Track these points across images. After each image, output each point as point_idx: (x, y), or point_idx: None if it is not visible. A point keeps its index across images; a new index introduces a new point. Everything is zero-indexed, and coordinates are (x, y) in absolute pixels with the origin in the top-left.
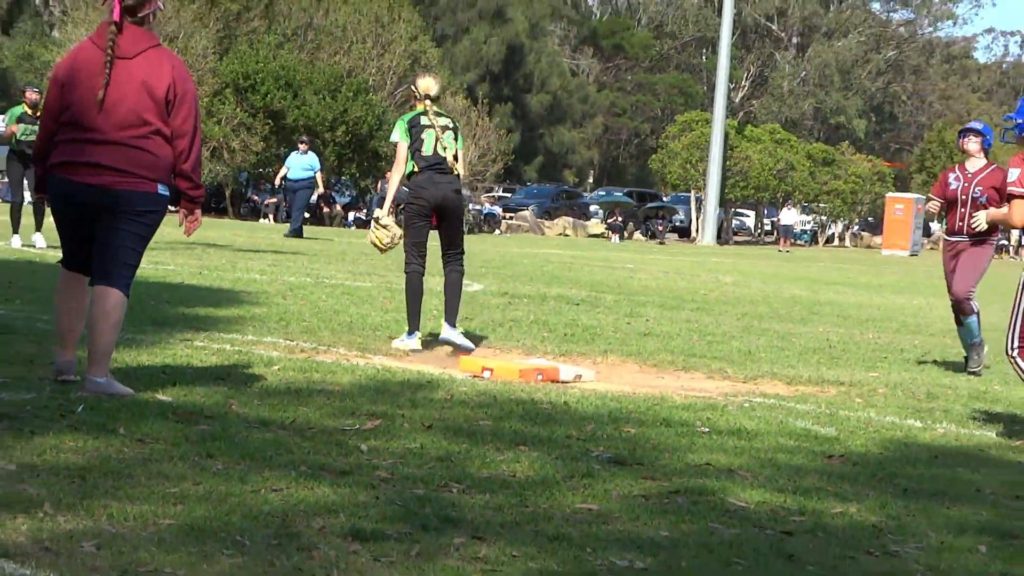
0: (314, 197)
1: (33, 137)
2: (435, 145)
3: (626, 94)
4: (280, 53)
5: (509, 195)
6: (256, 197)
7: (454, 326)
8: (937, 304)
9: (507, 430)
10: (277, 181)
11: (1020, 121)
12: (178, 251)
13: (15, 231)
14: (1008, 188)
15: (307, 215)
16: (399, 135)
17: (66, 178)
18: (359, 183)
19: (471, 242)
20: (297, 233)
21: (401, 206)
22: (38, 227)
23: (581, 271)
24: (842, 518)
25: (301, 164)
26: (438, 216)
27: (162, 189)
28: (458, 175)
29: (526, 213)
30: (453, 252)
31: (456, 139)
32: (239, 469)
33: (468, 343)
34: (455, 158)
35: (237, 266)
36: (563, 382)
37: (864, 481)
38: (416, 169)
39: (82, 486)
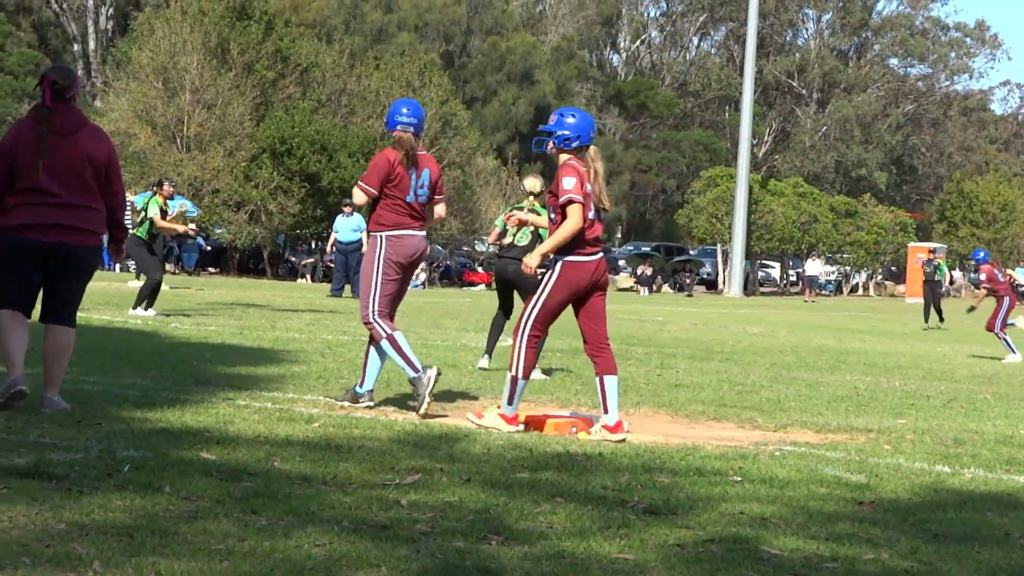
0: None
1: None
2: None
3: (652, 151)
4: (315, 118)
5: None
6: (293, 258)
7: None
8: (961, 351)
9: (544, 482)
10: (329, 248)
11: (560, 133)
12: (218, 311)
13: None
14: (566, 195)
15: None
16: (499, 221)
17: (21, 236)
18: None
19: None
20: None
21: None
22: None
23: (611, 324)
24: (874, 564)
25: (349, 226)
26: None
27: (102, 240)
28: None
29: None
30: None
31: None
32: (283, 525)
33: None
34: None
35: (276, 325)
36: None
37: (895, 527)
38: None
39: (130, 544)
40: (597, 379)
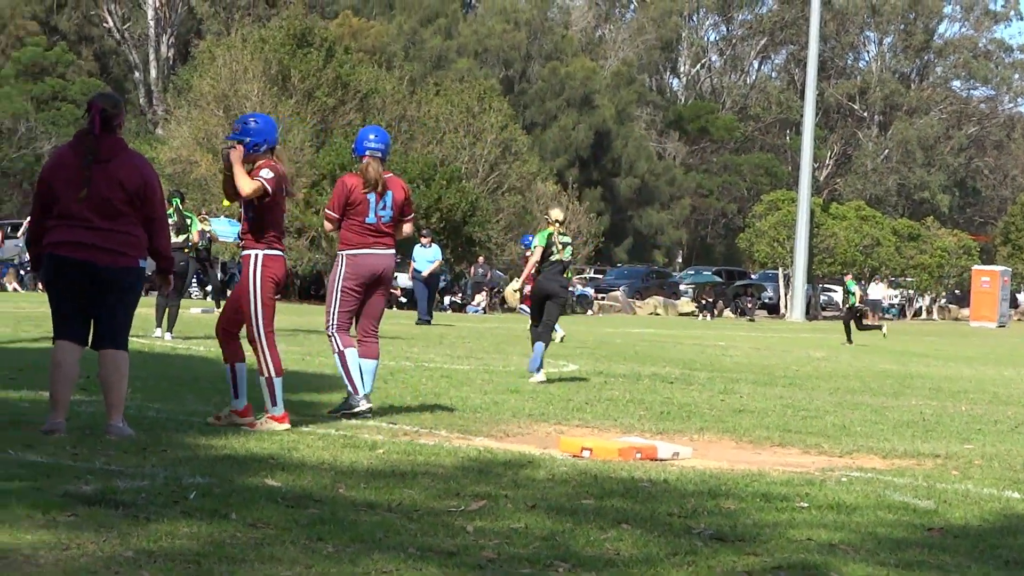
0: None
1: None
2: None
3: (712, 175)
4: None
5: (600, 276)
6: None
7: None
8: None
9: (609, 508)
10: (409, 276)
11: (249, 140)
12: (281, 337)
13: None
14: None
15: (403, 300)
16: (539, 241)
17: (61, 255)
18: (454, 268)
19: (564, 323)
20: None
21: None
22: (159, 324)
23: (673, 349)
24: None
25: (426, 256)
26: (549, 299)
27: (142, 263)
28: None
29: (617, 293)
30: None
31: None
32: (349, 552)
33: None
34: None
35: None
36: (662, 460)
37: (965, 553)
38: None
39: (198, 571)
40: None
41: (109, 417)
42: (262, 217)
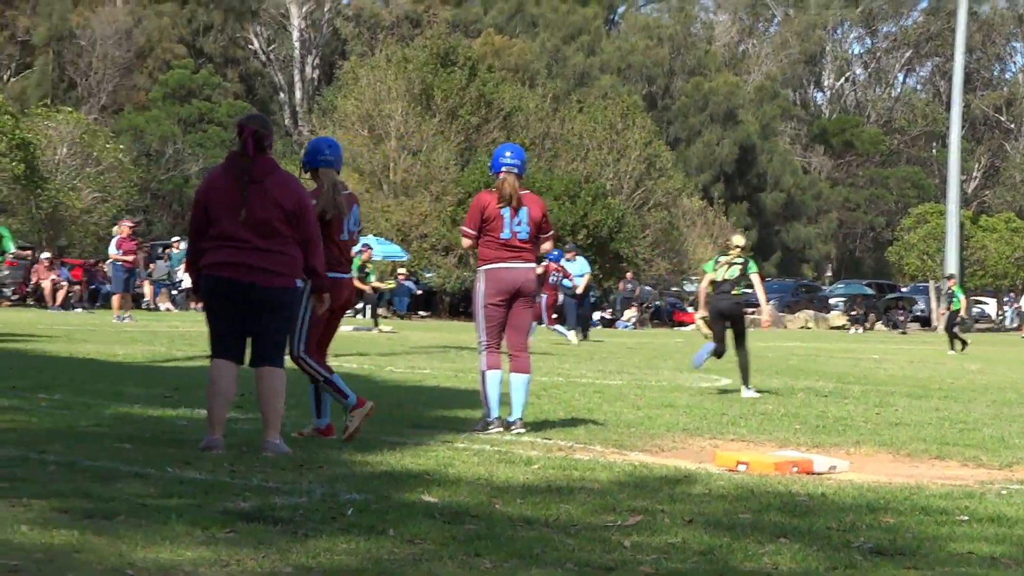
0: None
1: None
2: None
3: (858, 189)
4: None
5: (749, 291)
6: None
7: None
8: None
9: (766, 523)
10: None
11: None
12: (432, 355)
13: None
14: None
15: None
16: (706, 268)
17: (219, 275)
18: (602, 283)
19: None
20: (585, 335)
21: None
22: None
23: (826, 363)
24: None
25: (573, 270)
26: (724, 318)
27: (299, 283)
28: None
29: (768, 307)
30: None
31: (744, 270)
32: (507, 567)
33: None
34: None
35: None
36: (818, 473)
37: None
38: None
39: None
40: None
41: (266, 434)
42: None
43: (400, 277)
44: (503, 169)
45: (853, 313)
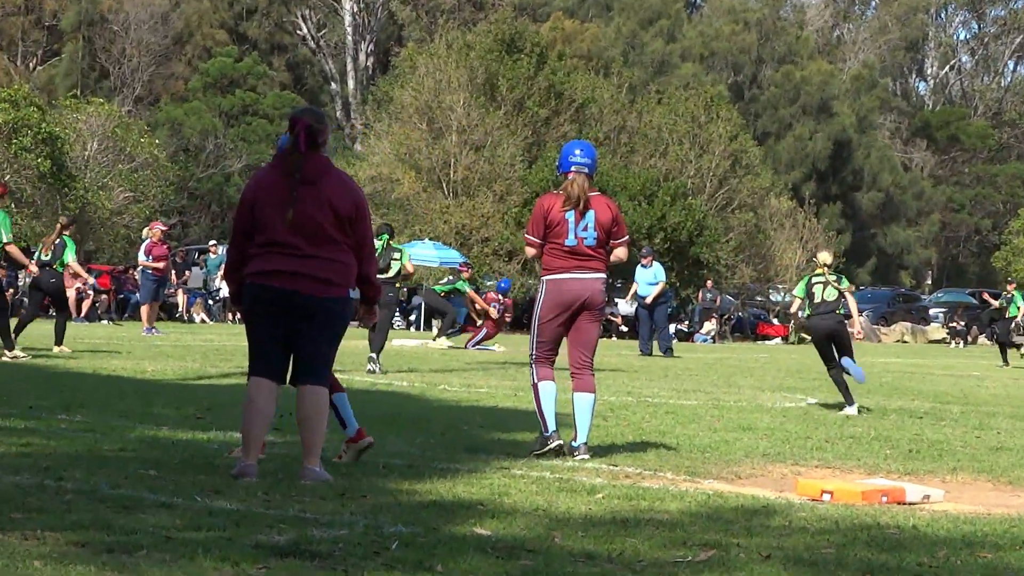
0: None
1: None
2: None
3: (964, 188)
4: None
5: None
6: None
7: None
8: None
9: (852, 558)
10: (628, 299)
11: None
12: (491, 371)
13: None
14: None
15: (623, 328)
16: (798, 292)
17: (266, 284)
18: (679, 292)
19: (801, 352)
20: (669, 351)
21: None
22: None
23: (923, 381)
24: None
25: (646, 279)
26: (830, 338)
27: (352, 293)
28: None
29: (861, 319)
30: (846, 354)
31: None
32: None
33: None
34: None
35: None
36: (910, 504)
37: None
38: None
39: None
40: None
41: (305, 460)
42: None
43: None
44: (572, 169)
45: (953, 325)
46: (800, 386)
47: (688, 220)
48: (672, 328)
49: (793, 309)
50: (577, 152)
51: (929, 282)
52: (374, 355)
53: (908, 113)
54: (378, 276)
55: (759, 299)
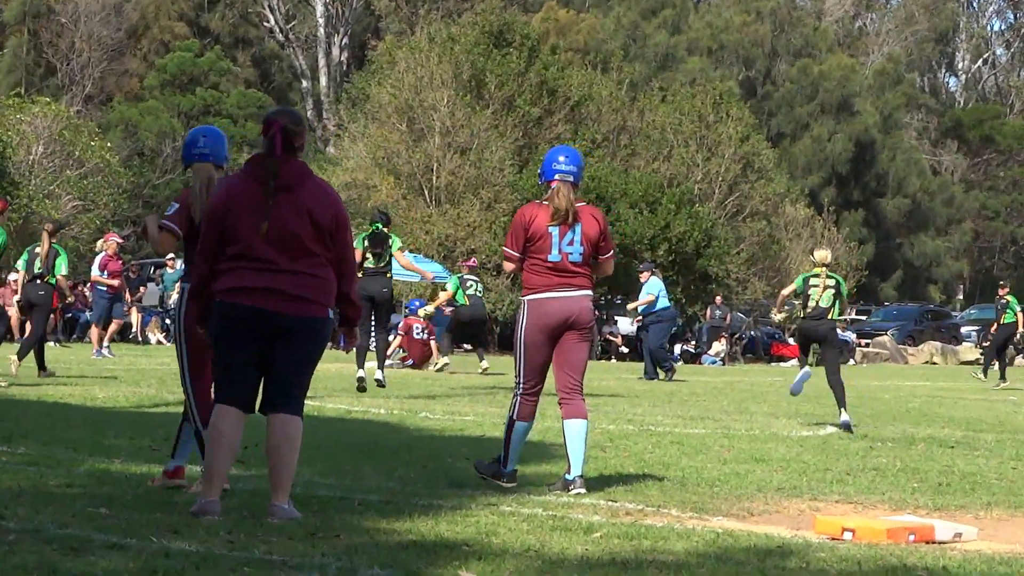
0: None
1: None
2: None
3: (999, 193)
4: (589, 161)
5: (864, 318)
6: None
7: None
8: None
9: None
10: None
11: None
12: (476, 397)
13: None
14: None
15: (624, 349)
16: (796, 285)
17: (239, 303)
18: (685, 310)
19: (819, 375)
20: (670, 372)
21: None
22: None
23: (954, 406)
24: None
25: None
26: (818, 342)
27: (331, 313)
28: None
29: (885, 339)
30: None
31: (838, 293)
32: None
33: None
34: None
35: (546, 413)
36: (940, 542)
37: None
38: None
39: None
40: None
41: (274, 496)
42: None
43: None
44: (556, 177)
45: (987, 344)
46: (818, 413)
47: (695, 230)
48: (677, 348)
49: (784, 292)
50: (561, 159)
51: (960, 297)
52: (381, 373)
53: (937, 111)
54: (370, 267)
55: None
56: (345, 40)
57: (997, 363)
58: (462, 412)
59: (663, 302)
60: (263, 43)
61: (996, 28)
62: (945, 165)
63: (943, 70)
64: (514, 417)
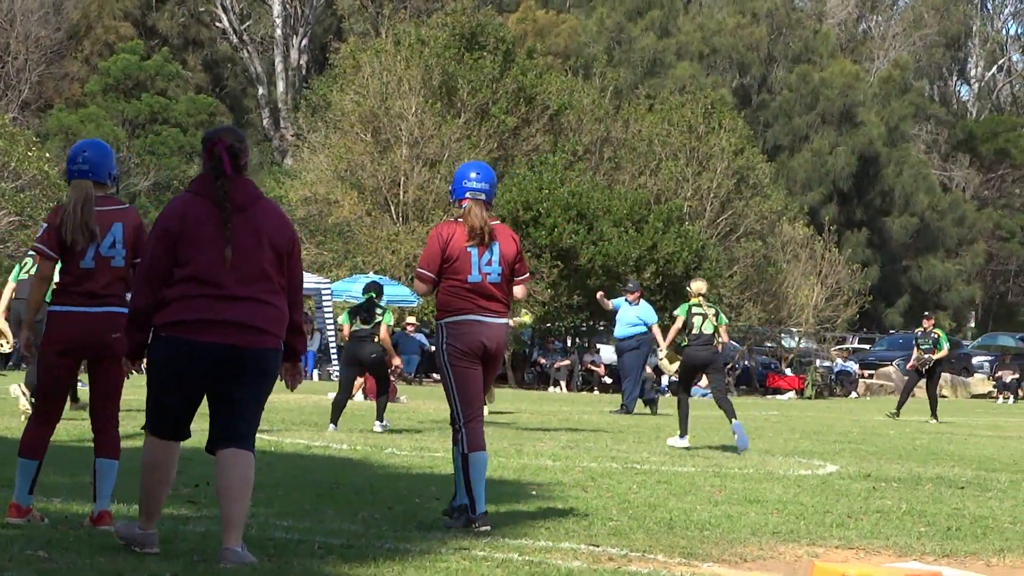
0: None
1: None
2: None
3: (1014, 212)
4: (570, 175)
5: (867, 347)
6: (543, 360)
7: None
8: None
9: None
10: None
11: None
12: (446, 432)
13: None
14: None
15: (607, 380)
16: (680, 312)
17: (188, 338)
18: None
19: (819, 408)
20: (627, 409)
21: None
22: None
23: (965, 443)
24: None
25: (627, 319)
26: (703, 367)
27: (282, 344)
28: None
29: (890, 369)
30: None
31: (717, 322)
32: None
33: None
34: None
35: (523, 449)
36: None
37: None
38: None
39: None
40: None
41: (226, 539)
42: None
43: (408, 328)
44: (467, 195)
45: (1000, 376)
46: (818, 450)
47: (684, 250)
48: (664, 379)
49: (673, 331)
50: (473, 175)
51: (972, 325)
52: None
53: (948, 122)
54: (362, 327)
55: (769, 345)
56: (305, 42)
57: (910, 399)
58: (431, 448)
59: (643, 327)
60: (215, 45)
61: (1012, 32)
62: (956, 181)
63: (954, 77)
64: (466, 451)
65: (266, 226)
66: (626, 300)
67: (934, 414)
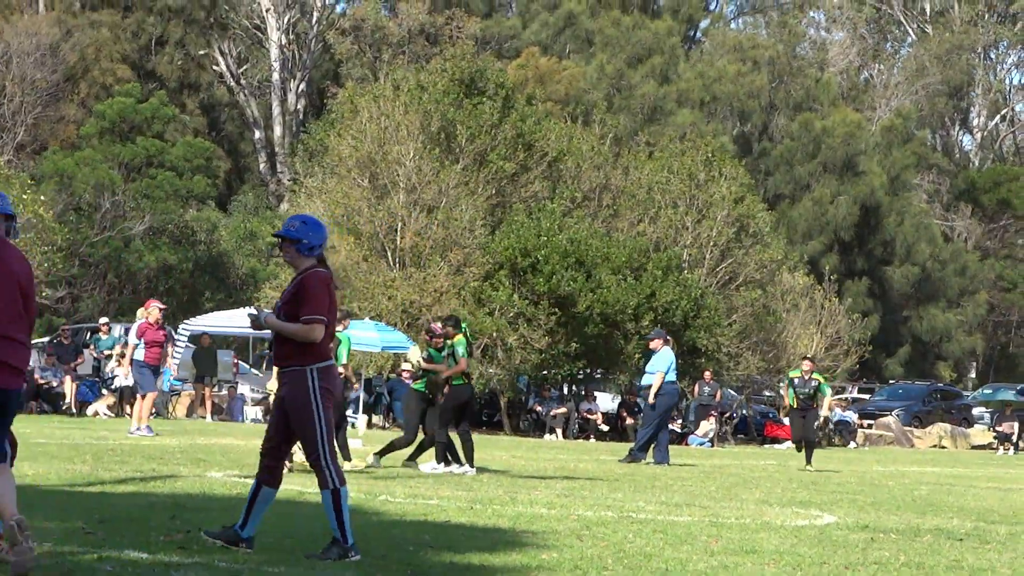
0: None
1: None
2: None
3: (1016, 262)
4: (568, 223)
5: (867, 396)
6: (540, 407)
7: None
8: None
9: None
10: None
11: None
12: (440, 479)
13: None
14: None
15: (603, 427)
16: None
17: None
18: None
19: (817, 458)
20: (633, 456)
21: None
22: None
23: (964, 495)
24: None
25: (648, 368)
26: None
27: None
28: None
29: (889, 420)
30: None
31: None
32: None
33: None
34: None
35: (518, 498)
36: None
37: None
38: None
39: None
40: None
41: None
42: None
43: (404, 375)
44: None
45: (1001, 429)
46: (815, 500)
47: (683, 299)
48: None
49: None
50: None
51: (973, 376)
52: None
53: (950, 172)
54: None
55: (767, 394)
56: (302, 86)
57: (907, 448)
58: (425, 495)
59: (671, 375)
60: (212, 89)
61: (1015, 82)
62: (958, 231)
63: (957, 127)
64: (338, 486)
65: (16, 268)
66: (651, 347)
67: (809, 460)
